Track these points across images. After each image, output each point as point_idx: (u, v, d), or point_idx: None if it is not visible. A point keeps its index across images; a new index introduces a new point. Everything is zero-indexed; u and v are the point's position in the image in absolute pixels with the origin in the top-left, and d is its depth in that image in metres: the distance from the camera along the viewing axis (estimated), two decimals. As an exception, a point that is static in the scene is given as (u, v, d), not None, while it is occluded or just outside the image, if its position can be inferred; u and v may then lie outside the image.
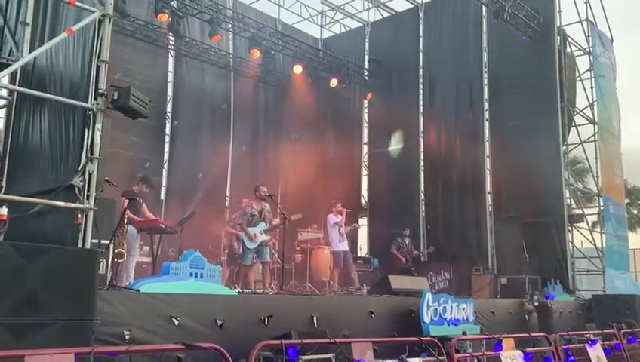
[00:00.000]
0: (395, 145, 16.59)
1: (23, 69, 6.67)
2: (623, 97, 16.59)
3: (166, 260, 8.17)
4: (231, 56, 16.08)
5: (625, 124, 16.44)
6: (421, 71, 16.51)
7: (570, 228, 13.52)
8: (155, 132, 14.49)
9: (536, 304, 10.66)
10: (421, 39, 16.69)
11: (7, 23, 6.86)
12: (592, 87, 14.90)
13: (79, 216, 5.77)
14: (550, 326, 9.94)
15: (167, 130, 14.96)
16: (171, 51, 15.13)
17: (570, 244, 13.50)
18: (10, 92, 6.87)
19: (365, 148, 17.93)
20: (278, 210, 10.69)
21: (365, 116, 18.11)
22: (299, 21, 18.27)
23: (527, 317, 10.64)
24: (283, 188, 16.58)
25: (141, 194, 9.06)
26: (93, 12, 6.22)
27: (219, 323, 6.14)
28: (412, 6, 17.14)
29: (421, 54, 16.61)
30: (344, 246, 12.04)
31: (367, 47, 18.09)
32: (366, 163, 17.80)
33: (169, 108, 15.12)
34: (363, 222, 17.41)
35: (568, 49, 14.41)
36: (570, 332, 8.13)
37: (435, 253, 14.23)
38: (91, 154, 5.94)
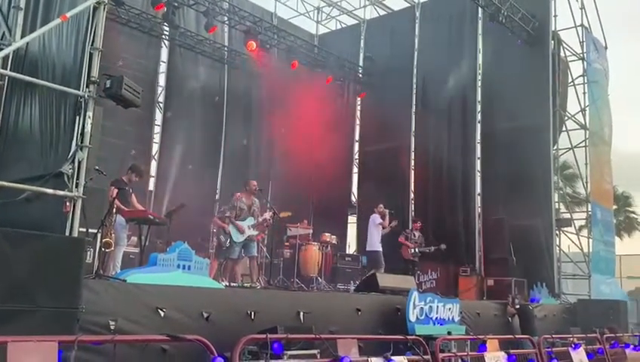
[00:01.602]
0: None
1: (15, 53, 6.60)
2: (618, 101, 16.71)
3: (154, 251, 8.13)
4: (225, 48, 16.02)
5: (617, 128, 16.59)
6: (415, 70, 16.53)
7: (557, 232, 13.60)
8: (147, 122, 14.40)
9: (517, 307, 10.71)
10: (416, 39, 16.70)
11: (0, 7, 6.80)
12: (584, 93, 14.99)
13: (67, 203, 5.73)
14: (531, 328, 10.00)
15: (159, 121, 14.88)
16: (165, 41, 15.03)
17: (558, 248, 13.58)
18: (2, 77, 6.81)
19: (357, 146, 17.94)
20: (268, 205, 10.68)
21: (358, 113, 18.11)
22: (295, 16, 18.26)
23: (510, 319, 10.71)
24: (273, 182, 16.56)
25: (130, 184, 9.01)
26: (88, -1, 6.18)
27: (205, 315, 6.13)
28: (408, 5, 17.15)
29: (416, 53, 16.63)
30: (381, 247, 12.16)
31: (362, 45, 18.10)
32: (357, 160, 17.81)
33: (161, 98, 15.04)
34: (352, 219, 17.44)
35: (562, 54, 14.47)
36: (554, 336, 8.19)
37: (423, 253, 14.28)
38: (82, 142, 5.90)
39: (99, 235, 7.22)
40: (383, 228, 12.26)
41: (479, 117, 15.12)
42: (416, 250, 12.71)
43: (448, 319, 8.61)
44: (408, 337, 6.18)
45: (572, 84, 14.85)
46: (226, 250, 10.00)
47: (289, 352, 5.21)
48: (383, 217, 12.35)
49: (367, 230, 12.67)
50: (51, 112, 6.46)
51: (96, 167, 6.82)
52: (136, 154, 13.33)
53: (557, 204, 13.99)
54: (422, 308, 8.22)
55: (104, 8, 6.30)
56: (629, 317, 12.61)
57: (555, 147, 14.02)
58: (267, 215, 10.20)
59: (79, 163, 5.86)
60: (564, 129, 14.33)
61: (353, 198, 17.65)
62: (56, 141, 6.30)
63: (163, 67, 15.16)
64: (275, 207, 10.59)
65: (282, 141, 16.07)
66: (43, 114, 6.59)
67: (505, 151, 14.11)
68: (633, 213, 29.91)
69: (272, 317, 6.54)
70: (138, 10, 13.69)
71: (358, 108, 18.11)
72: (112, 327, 5.30)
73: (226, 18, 14.62)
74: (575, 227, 14.50)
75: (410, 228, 13.41)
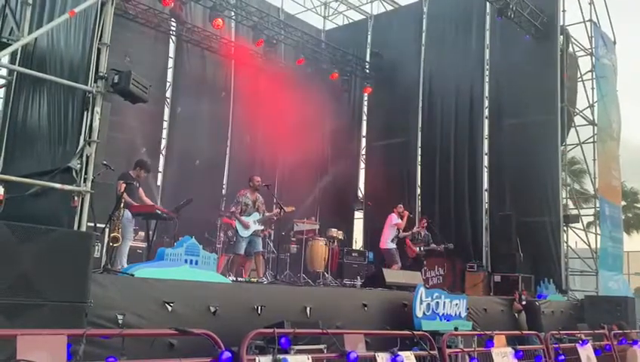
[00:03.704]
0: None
1: (24, 49, 6.65)
2: (626, 93, 16.62)
3: (161, 246, 8.16)
4: (232, 44, 16.00)
5: (624, 121, 16.48)
6: (422, 65, 16.45)
7: (565, 228, 13.54)
8: (154, 117, 14.42)
9: (523, 303, 10.70)
10: (424, 34, 16.62)
11: (9, 3, 6.83)
12: (592, 88, 14.90)
13: (75, 198, 5.76)
14: (538, 324, 10.00)
15: (166, 116, 14.91)
16: (172, 37, 15.04)
17: (565, 244, 13.52)
18: (10, 72, 6.85)
19: (364, 142, 17.92)
20: (275, 200, 10.70)
21: (365, 109, 18.09)
22: (302, 11, 18.20)
23: (516, 315, 10.70)
24: (280, 178, 16.58)
25: (138, 179, 9.02)
26: (96, -6, 6.19)
27: (212, 310, 6.16)
28: (416, 0, 17.07)
29: (423, 49, 16.55)
30: (394, 244, 12.23)
31: (369, 40, 18.04)
32: (364, 156, 17.79)
33: (168, 93, 15.05)
34: (359, 215, 17.44)
35: (570, 49, 14.38)
36: (561, 332, 8.17)
37: (430, 249, 14.32)
38: (90, 137, 5.93)
39: (107, 230, 7.25)
40: (398, 228, 12.29)
41: (486, 112, 15.05)
42: (422, 248, 12.71)
43: (455, 315, 8.60)
44: (415, 332, 6.17)
45: (580, 79, 14.76)
46: (232, 246, 10.05)
47: (296, 347, 5.22)
48: (401, 218, 12.37)
49: (377, 226, 12.71)
50: (59, 108, 6.49)
51: (104, 162, 6.84)
52: (148, 151, 13.36)
53: (565, 200, 13.92)
54: (429, 303, 8.22)
55: (112, 3, 6.31)
56: (636, 313, 12.55)
57: (564, 143, 13.94)
58: (274, 211, 10.25)
59: (87, 158, 5.89)
60: (572, 125, 14.24)
61: (360, 194, 17.63)
62: (65, 136, 6.34)
63: (170, 62, 15.16)
64: (281, 203, 10.62)
65: (289, 136, 16.06)
66: (51, 109, 6.63)
67: (512, 147, 14.05)
68: (641, 209, 29.77)
69: (278, 312, 6.56)
70: (145, 6, 13.70)
71: (365, 103, 18.08)
72: (120, 321, 5.33)
73: (232, 13, 14.61)
74: (583, 223, 14.42)
75: (416, 226, 13.37)
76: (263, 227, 10.23)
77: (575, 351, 7.39)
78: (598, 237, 14.42)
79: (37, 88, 6.87)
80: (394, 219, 12.30)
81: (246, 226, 9.72)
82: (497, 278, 12.69)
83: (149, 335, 5.13)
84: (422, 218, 13.56)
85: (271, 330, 4.82)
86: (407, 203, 15.57)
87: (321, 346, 5.72)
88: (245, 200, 9.94)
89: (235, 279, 8.86)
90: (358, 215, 17.48)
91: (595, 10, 15.03)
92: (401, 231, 12.36)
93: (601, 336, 8.46)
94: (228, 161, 15.81)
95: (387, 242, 12.19)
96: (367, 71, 17.46)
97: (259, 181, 10.17)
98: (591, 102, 14.84)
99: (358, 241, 16.86)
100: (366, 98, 17.94)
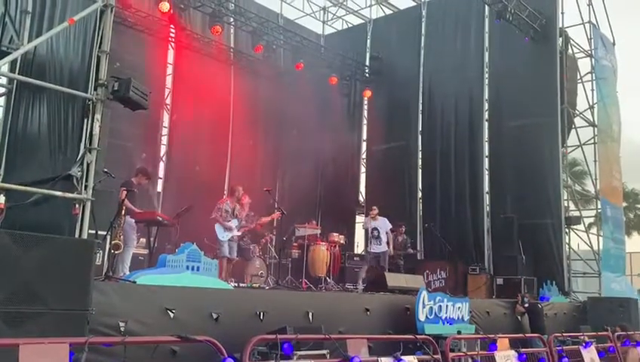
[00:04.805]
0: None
1: (23, 57, 6.66)
2: (626, 96, 16.56)
3: (162, 253, 8.15)
4: (232, 50, 16.02)
5: (625, 124, 16.45)
6: (422, 69, 16.46)
7: (567, 230, 13.52)
8: (154, 124, 14.40)
9: (526, 305, 10.68)
10: (423, 37, 16.64)
11: (8, 11, 6.85)
12: (592, 90, 14.90)
13: (76, 206, 5.76)
14: (541, 327, 9.97)
15: (166, 122, 14.90)
16: (172, 43, 15.04)
17: (567, 246, 13.50)
18: (10, 80, 6.86)
19: (364, 146, 17.91)
20: (275, 204, 10.77)
21: (365, 113, 18.09)
22: (301, 16, 18.22)
23: (519, 318, 10.68)
24: (280, 183, 16.57)
25: (140, 186, 9.02)
26: (95, 2, 6.20)
27: (214, 316, 6.15)
28: (415, 4, 17.11)
29: (422, 52, 16.57)
30: (373, 248, 12.35)
31: (368, 45, 18.06)
32: (364, 160, 17.79)
33: (168, 100, 15.05)
34: (360, 219, 17.42)
35: (570, 51, 14.39)
36: (564, 334, 8.14)
37: (432, 252, 14.29)
38: (90, 144, 5.93)
39: (108, 237, 7.24)
40: (370, 229, 12.40)
41: (487, 115, 15.05)
42: (399, 254, 12.85)
43: (458, 318, 8.59)
44: (418, 336, 6.16)
45: (580, 81, 14.76)
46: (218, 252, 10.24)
47: (299, 352, 5.21)
48: (372, 219, 12.46)
49: None
50: (59, 115, 6.50)
51: (105, 170, 6.84)
52: (148, 157, 13.37)
53: (566, 201, 13.91)
54: (431, 307, 8.21)
55: (111, 11, 6.32)
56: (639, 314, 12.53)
57: (564, 144, 13.93)
58: (275, 215, 10.36)
59: (88, 165, 5.90)
60: (573, 126, 14.24)
61: (361, 198, 17.61)
62: (65, 144, 6.35)
63: (170, 69, 15.16)
64: (281, 207, 10.68)
65: (289, 141, 16.06)
66: (51, 117, 6.64)
67: (513, 149, 14.06)
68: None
69: (280, 318, 6.55)
70: (144, 13, 13.70)
71: (365, 107, 18.09)
72: (122, 329, 5.32)
73: (232, 19, 14.63)
74: (584, 225, 14.40)
75: (395, 232, 13.32)
76: (240, 233, 10.54)
77: (579, 354, 7.36)
78: (600, 238, 14.40)
79: (37, 96, 6.88)
80: (364, 221, 12.56)
81: (229, 229, 10.06)
82: (500, 281, 12.68)
83: (151, 343, 5.11)
84: (399, 224, 13.51)
85: (273, 336, 4.81)
86: (408, 206, 15.64)
87: (324, 351, 5.71)
88: (225, 208, 10.27)
89: (236, 285, 8.86)
90: (360, 219, 17.45)
91: (594, 12, 15.06)
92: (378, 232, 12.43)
93: (605, 338, 8.44)
94: (228, 167, 15.79)
95: (367, 245, 12.45)
96: (367, 75, 17.47)
97: (241, 191, 10.52)
98: (591, 103, 14.85)
99: (359, 245, 16.82)
100: (366, 102, 17.95)
